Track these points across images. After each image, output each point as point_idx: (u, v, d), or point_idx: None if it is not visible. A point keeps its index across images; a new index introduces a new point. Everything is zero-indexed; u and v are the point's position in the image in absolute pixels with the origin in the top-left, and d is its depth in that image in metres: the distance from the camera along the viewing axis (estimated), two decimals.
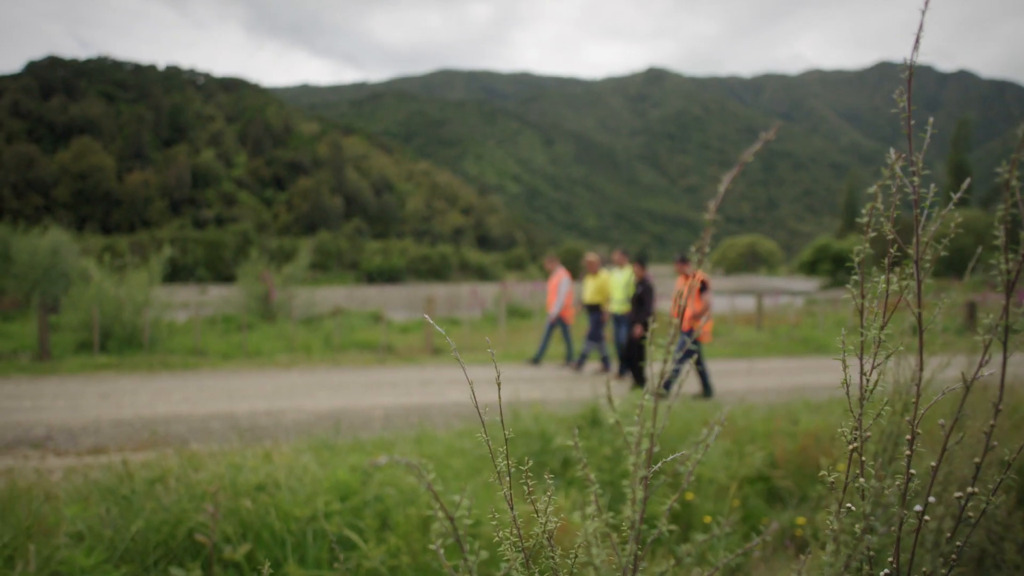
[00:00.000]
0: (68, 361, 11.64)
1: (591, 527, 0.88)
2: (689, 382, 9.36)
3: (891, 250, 0.85)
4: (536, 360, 12.09)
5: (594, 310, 11.35)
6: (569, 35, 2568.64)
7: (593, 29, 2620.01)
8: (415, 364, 12.38)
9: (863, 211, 0.86)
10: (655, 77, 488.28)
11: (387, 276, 74.80)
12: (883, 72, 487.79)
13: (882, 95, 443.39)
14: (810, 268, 77.54)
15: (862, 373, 0.91)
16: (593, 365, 12.25)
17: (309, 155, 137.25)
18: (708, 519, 4.16)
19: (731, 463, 4.66)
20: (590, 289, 11.42)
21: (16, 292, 19.03)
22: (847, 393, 0.90)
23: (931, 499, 0.85)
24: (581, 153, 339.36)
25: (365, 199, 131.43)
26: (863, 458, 0.91)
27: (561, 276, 11.74)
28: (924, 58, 0.86)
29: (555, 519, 0.91)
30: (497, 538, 0.91)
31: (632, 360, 9.91)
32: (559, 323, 11.82)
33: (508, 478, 0.90)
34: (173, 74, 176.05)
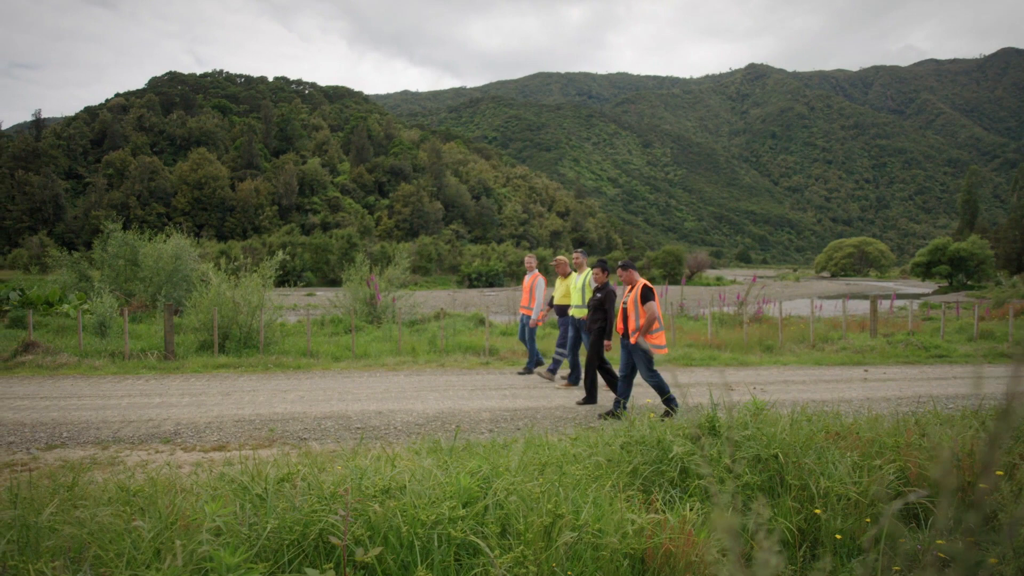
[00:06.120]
0: (191, 360, 12.28)
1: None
2: (649, 394, 8.87)
3: None
4: (528, 369, 11.79)
5: (562, 312, 10.89)
6: (666, 35, 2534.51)
7: (690, 28, 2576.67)
8: (519, 367, 12.40)
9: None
10: (756, 74, 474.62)
11: (486, 279, 75.40)
12: (1007, 60, 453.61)
13: (1005, 86, 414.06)
14: (925, 270, 73.34)
15: None
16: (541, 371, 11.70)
17: (409, 161, 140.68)
18: (839, 536, 3.95)
19: (861, 477, 4.41)
20: (558, 292, 10.99)
21: (143, 295, 20.29)
22: None
23: None
24: (679, 154, 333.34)
25: (464, 204, 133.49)
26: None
27: (537, 277, 11.42)
28: None
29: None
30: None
31: (595, 370, 9.53)
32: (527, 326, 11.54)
33: (732, 504, 0.83)
34: (281, 86, 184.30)
